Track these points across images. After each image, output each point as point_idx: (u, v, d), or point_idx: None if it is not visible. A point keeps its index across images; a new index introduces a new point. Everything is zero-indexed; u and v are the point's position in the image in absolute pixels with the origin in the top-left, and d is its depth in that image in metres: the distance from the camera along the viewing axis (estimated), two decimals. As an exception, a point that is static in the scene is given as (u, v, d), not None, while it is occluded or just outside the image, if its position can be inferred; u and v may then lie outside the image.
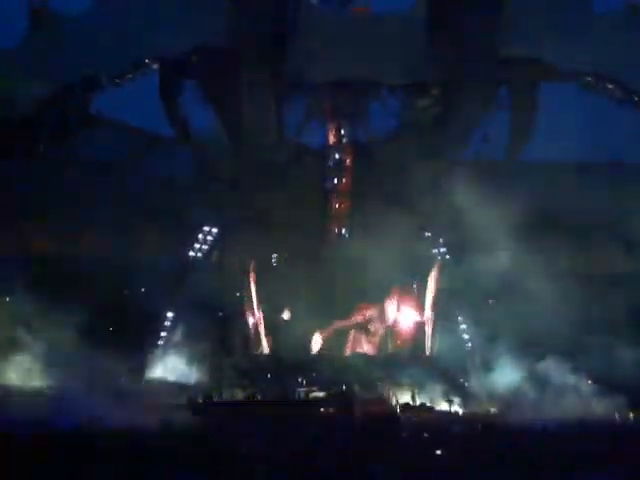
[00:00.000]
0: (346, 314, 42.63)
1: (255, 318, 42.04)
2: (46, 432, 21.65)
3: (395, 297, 42.53)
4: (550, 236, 35.16)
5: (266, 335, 41.92)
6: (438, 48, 39.11)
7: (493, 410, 32.44)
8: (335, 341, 42.45)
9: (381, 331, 42.87)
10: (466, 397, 35.10)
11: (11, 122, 35.36)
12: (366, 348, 42.62)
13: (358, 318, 42.87)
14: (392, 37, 38.78)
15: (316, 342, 42.10)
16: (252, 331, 42.12)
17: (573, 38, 37.12)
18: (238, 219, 41.36)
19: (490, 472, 18.18)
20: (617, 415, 30.47)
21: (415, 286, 42.43)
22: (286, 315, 42.43)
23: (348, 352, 42.38)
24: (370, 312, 42.86)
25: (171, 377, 35.33)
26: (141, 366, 32.09)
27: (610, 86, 38.44)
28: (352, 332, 42.82)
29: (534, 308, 34.63)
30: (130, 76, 38.69)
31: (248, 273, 41.89)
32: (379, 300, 42.70)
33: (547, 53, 37.37)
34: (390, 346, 42.36)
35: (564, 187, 37.87)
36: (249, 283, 41.94)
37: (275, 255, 43.26)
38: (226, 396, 35.51)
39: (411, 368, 36.82)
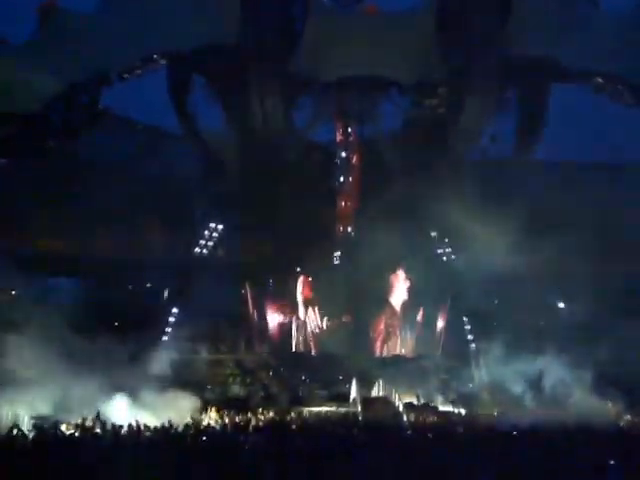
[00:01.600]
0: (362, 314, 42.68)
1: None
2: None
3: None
4: (557, 235, 34.89)
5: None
6: (447, 47, 39.11)
7: (496, 411, 32.26)
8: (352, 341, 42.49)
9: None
10: (469, 398, 34.96)
11: (19, 118, 35.30)
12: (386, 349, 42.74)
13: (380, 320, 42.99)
14: (401, 36, 38.69)
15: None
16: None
17: (583, 38, 36.85)
18: (245, 217, 41.39)
19: (491, 473, 18.06)
20: (619, 415, 30.34)
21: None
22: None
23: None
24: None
25: (173, 372, 35.30)
26: (143, 360, 32.09)
27: (619, 87, 38.15)
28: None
29: (540, 308, 34.54)
30: (139, 72, 38.54)
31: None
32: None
33: (556, 53, 37.11)
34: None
35: (569, 186, 37.76)
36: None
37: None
38: (228, 393, 35.52)
39: (413, 368, 36.74)
